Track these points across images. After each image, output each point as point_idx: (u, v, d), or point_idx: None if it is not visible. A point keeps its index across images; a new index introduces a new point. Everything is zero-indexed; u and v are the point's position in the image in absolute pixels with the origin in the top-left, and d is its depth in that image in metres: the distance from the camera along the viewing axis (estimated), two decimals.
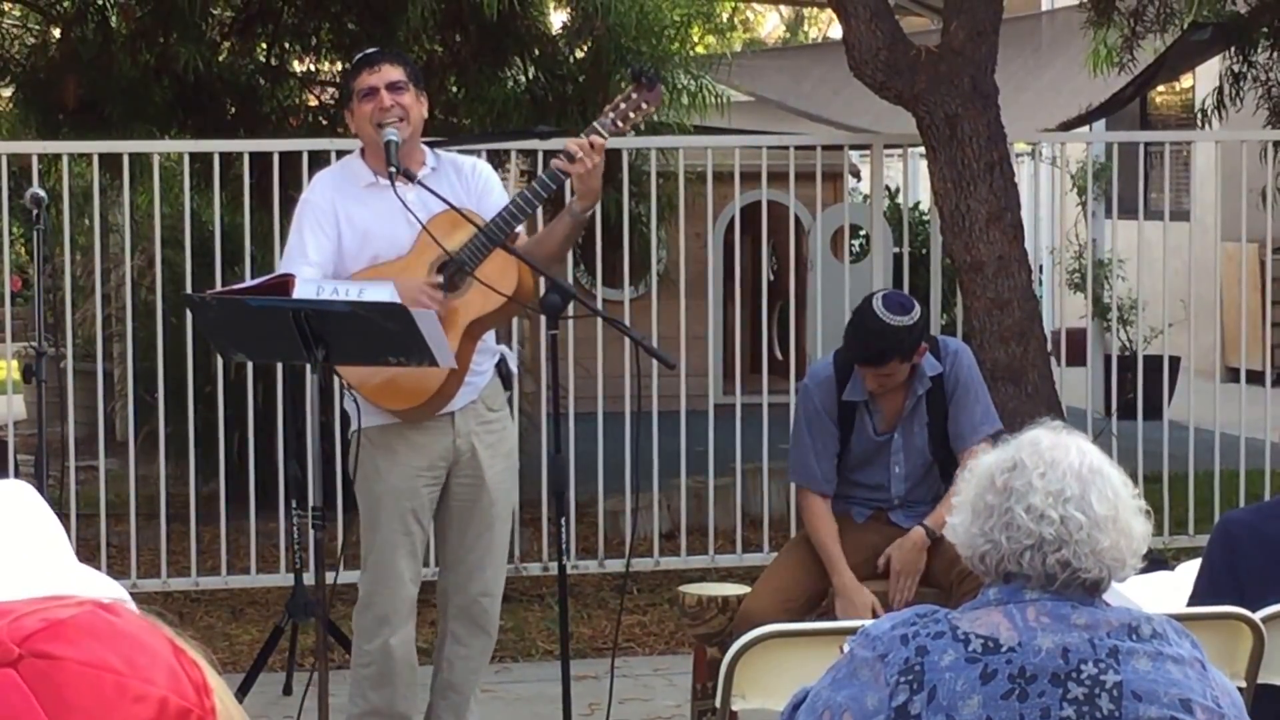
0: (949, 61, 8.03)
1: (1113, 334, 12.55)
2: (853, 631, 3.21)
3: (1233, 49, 10.47)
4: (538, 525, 8.73)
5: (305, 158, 8.09)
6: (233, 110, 10.30)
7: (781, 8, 27.55)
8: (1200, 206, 11.93)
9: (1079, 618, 3.03)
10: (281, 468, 8.06)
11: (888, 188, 11.94)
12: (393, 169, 5.68)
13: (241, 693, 6.20)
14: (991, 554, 3.08)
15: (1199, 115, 10.84)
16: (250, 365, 8.15)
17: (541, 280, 5.88)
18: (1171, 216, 9.50)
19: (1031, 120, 11.12)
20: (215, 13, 10.31)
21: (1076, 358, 10.58)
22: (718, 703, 4.33)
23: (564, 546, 5.81)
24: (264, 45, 10.54)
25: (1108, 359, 11.13)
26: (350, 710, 5.97)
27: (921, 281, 9.34)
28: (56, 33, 10.52)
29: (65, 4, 10.33)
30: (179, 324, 8.43)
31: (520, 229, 5.85)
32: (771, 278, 9.96)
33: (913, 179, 11.86)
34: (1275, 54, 10.45)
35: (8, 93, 10.77)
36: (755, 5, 22.75)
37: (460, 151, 6.24)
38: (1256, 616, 4.26)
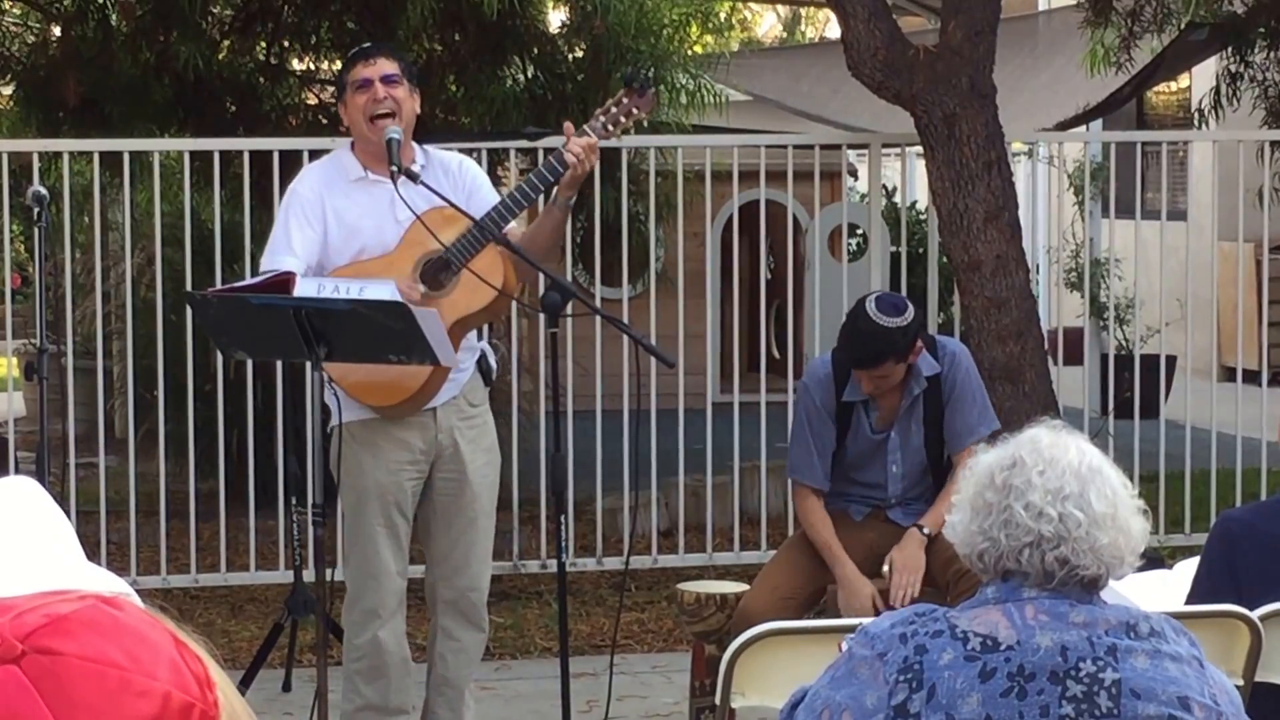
0: (947, 61, 8.04)
1: (1109, 333, 12.56)
2: (851, 629, 3.22)
3: (1229, 49, 10.49)
4: (536, 523, 8.74)
5: (305, 156, 8.08)
6: (233, 109, 10.31)
7: (779, 7, 27.55)
8: (1197, 206, 11.94)
9: (1077, 616, 3.04)
10: (281, 465, 8.07)
11: (885, 187, 11.94)
12: (394, 167, 5.68)
13: (241, 689, 6.16)
14: (990, 552, 3.09)
15: (1196, 115, 10.85)
16: (250, 363, 8.16)
17: (541, 278, 5.89)
18: (1168, 216, 9.52)
19: (1029, 120, 11.14)
20: (215, 11, 10.32)
21: (1073, 357, 10.57)
22: (717, 700, 4.34)
23: (563, 544, 5.82)
24: (264, 44, 10.55)
25: (1104, 358, 11.14)
26: (344, 707, 5.95)
27: (919, 281, 9.35)
28: (57, 31, 10.52)
29: (66, 2, 10.33)
30: (179, 322, 8.44)
31: (514, 224, 5.86)
32: (769, 277, 9.97)
33: (910, 178, 11.87)
34: (1272, 54, 10.46)
35: (8, 91, 10.77)
36: (753, 4, 22.75)
37: (445, 149, 6.22)
38: (1254, 615, 4.28)
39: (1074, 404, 9.58)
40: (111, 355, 10.15)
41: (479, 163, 8.11)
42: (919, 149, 8.47)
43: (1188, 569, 4.82)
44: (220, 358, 8.00)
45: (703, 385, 9.14)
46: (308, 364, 5.97)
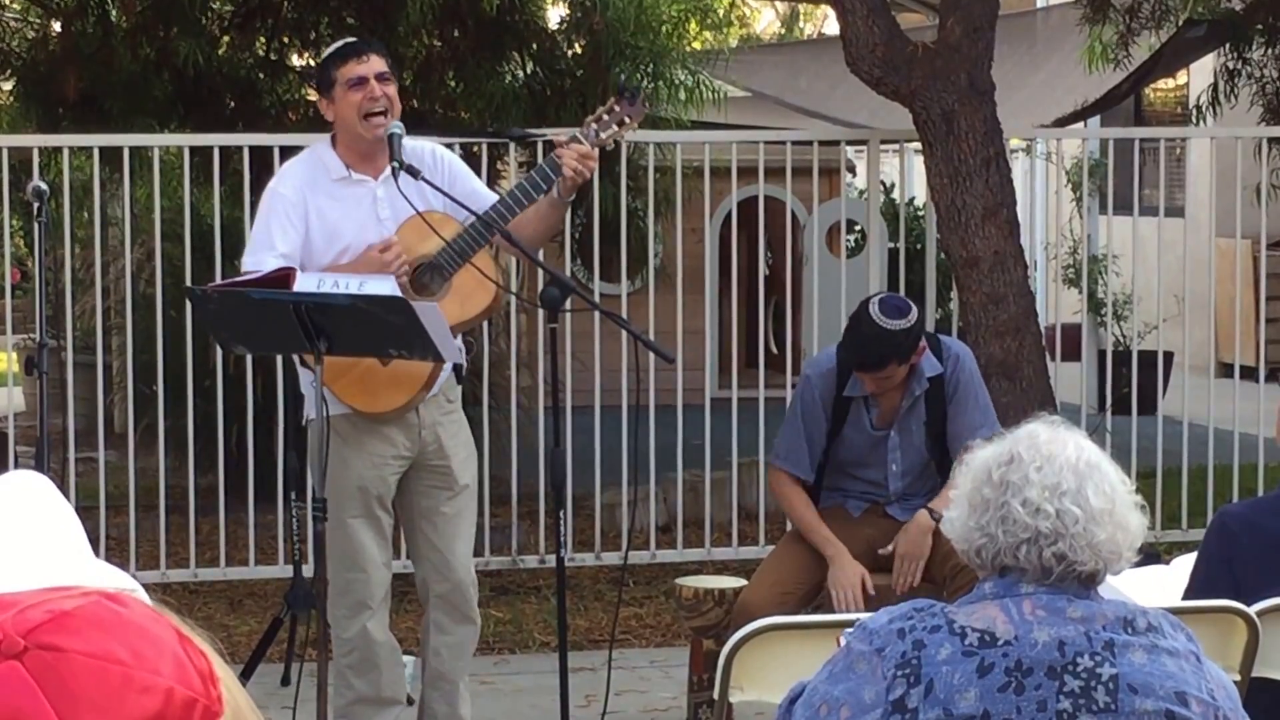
0: (945, 57, 8.05)
1: (1107, 329, 12.57)
2: (849, 624, 3.23)
3: (1227, 46, 10.49)
4: (535, 518, 8.75)
5: None
6: (232, 104, 10.30)
7: (777, 3, 27.54)
8: (1194, 203, 11.96)
9: (1075, 611, 3.05)
10: (281, 460, 8.08)
11: (883, 183, 11.95)
12: (395, 164, 5.67)
13: (240, 682, 6.21)
14: (988, 547, 3.10)
15: (1194, 112, 10.85)
16: (249, 358, 8.17)
17: (540, 273, 5.89)
18: (1166, 212, 9.52)
19: (1027, 116, 11.14)
20: (215, 7, 10.32)
21: (1071, 353, 10.58)
22: (715, 695, 4.35)
23: (562, 539, 5.82)
24: (263, 40, 10.55)
25: (1102, 354, 11.15)
26: (336, 701, 5.93)
27: (917, 277, 9.36)
28: (57, 26, 10.52)
29: None
30: (178, 317, 8.44)
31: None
32: (767, 272, 9.98)
33: (908, 174, 11.88)
34: (1270, 51, 10.47)
35: (8, 86, 10.77)
36: (751, 1, 22.73)
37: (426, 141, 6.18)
38: (1251, 610, 4.29)
39: (1072, 400, 9.59)
40: (111, 350, 10.15)
41: (479, 159, 8.15)
42: (917, 145, 8.48)
43: (1185, 564, 4.83)
44: (220, 353, 8.00)
45: (701, 381, 9.14)
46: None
